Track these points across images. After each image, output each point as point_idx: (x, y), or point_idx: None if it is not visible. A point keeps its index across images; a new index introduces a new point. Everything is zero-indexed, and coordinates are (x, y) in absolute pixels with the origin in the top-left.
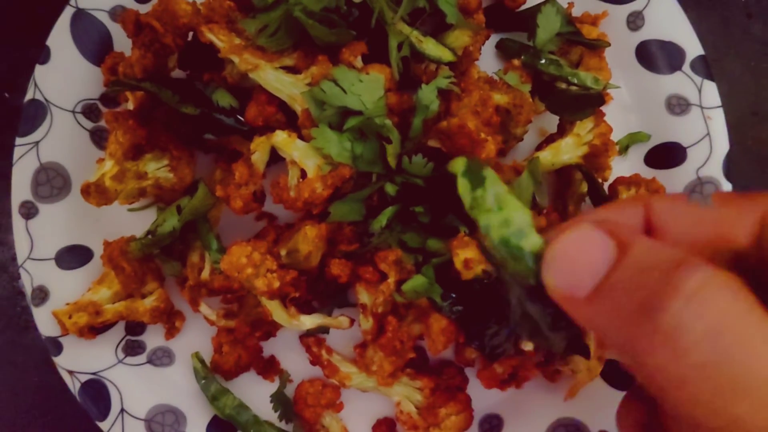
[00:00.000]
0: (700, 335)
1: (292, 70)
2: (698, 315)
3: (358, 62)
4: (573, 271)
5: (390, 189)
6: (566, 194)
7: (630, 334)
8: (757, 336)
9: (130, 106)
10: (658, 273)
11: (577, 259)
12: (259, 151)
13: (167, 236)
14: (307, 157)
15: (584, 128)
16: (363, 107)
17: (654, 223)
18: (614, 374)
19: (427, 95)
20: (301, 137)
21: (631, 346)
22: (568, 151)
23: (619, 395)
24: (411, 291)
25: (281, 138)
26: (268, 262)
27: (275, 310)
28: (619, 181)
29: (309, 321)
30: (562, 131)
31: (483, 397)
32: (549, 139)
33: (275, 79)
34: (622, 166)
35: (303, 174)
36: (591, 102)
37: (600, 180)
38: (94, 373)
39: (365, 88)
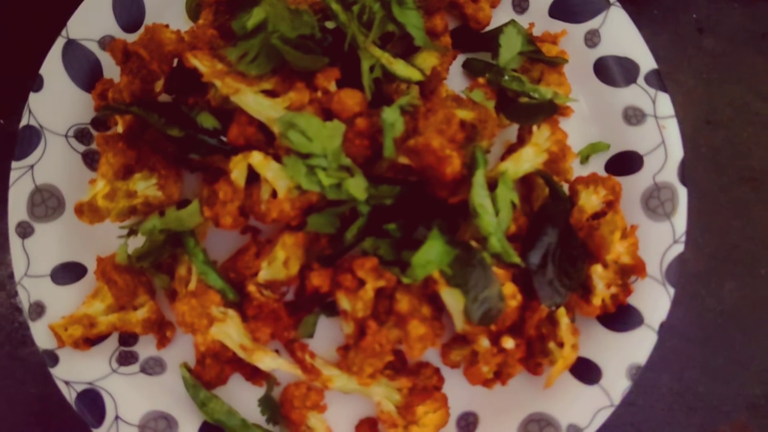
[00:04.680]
0: None
1: (271, 93)
2: None
3: (332, 86)
4: None
5: (363, 209)
6: (531, 197)
7: None
8: None
9: (120, 129)
10: None
11: None
12: (237, 169)
13: (148, 233)
14: (279, 178)
15: (542, 136)
16: (325, 153)
17: None
18: (583, 370)
19: (391, 115)
20: (278, 154)
21: None
22: (529, 159)
23: (587, 389)
24: (422, 264)
25: (257, 159)
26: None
27: (236, 350)
28: (578, 180)
29: (269, 362)
30: (521, 141)
31: (459, 395)
32: (510, 149)
33: (255, 102)
34: (585, 174)
35: (275, 193)
36: (544, 109)
37: (562, 182)
38: (89, 383)
39: (327, 135)
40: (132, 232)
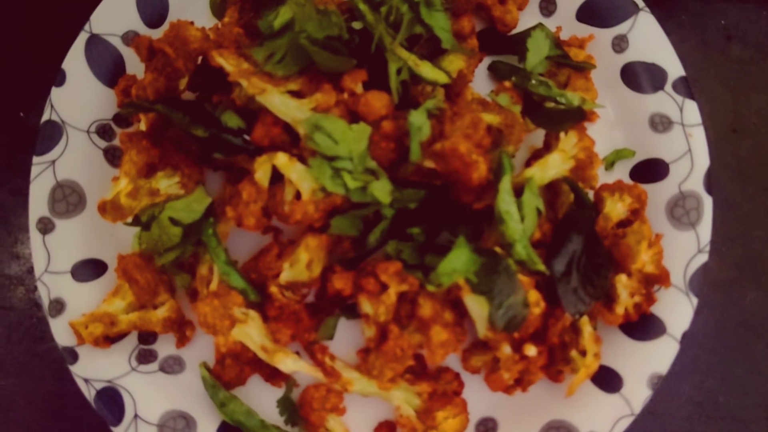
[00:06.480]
0: None
1: (297, 94)
2: None
3: (359, 88)
4: None
5: (387, 212)
6: (556, 204)
7: None
8: None
9: (143, 126)
10: None
11: None
12: (261, 169)
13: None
14: (303, 180)
15: (569, 143)
16: (351, 156)
17: None
18: (604, 378)
19: (418, 119)
20: (303, 155)
21: None
22: (555, 166)
23: (608, 398)
24: (448, 273)
25: (282, 161)
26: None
27: (257, 351)
28: (603, 188)
29: (290, 363)
30: (548, 147)
31: (479, 401)
32: (536, 155)
33: (281, 102)
34: (609, 181)
35: (299, 194)
36: (572, 116)
37: (588, 188)
38: (108, 381)
39: (353, 137)
40: (137, 219)
